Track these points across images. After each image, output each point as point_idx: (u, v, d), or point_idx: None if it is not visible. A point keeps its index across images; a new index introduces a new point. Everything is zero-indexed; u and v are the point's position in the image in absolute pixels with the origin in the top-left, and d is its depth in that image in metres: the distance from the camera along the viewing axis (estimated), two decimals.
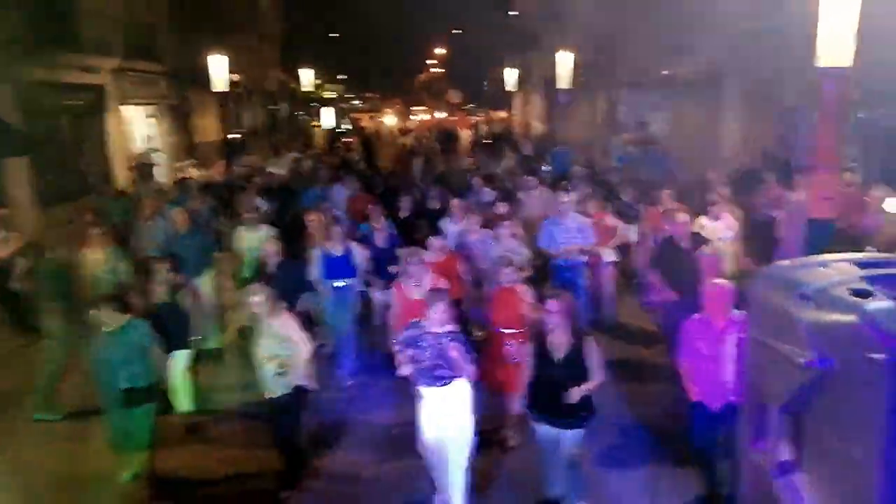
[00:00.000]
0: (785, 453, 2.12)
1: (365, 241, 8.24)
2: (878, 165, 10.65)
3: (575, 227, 8.12)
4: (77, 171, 15.27)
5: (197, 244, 8.22)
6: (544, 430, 5.07)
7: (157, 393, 5.68)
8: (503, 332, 6.00)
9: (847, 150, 10.88)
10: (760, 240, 9.66)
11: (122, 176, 16.11)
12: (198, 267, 8.03)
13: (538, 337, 5.04)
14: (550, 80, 21.87)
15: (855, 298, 1.96)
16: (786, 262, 2.34)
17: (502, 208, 9.02)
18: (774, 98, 12.37)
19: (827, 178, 6.34)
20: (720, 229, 7.92)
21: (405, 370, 5.02)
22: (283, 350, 5.43)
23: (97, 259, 7.80)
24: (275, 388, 5.43)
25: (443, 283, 6.30)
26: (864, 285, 2.03)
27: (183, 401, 6.71)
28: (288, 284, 6.60)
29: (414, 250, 6.78)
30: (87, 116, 15.87)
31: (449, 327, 4.94)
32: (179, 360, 6.56)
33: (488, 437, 5.90)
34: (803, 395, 2.04)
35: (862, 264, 2.18)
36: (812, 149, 6.66)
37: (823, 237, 6.13)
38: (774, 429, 2.11)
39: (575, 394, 4.77)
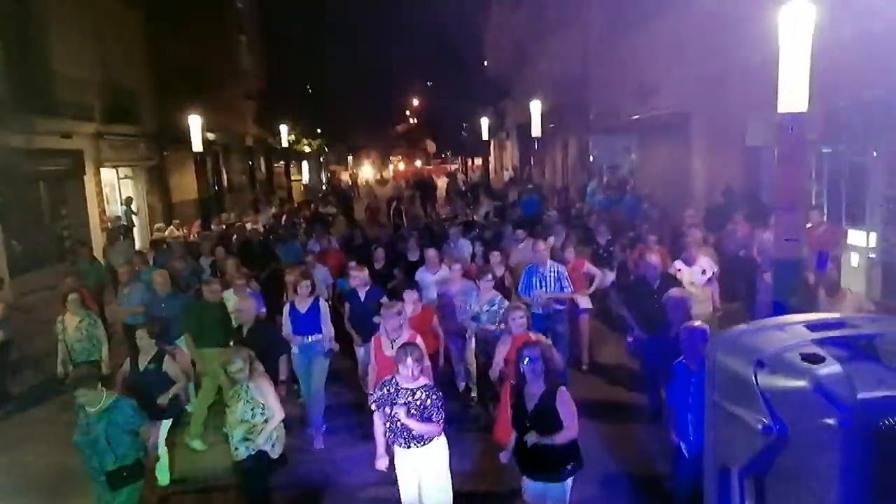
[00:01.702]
0: None
1: (348, 296, 8.20)
2: (844, 199, 10.94)
3: (553, 276, 8.13)
4: (54, 236, 15.24)
5: (178, 306, 8.10)
6: (530, 484, 4.95)
7: (143, 468, 5.47)
8: None
9: (813, 186, 11.27)
10: (738, 279, 9.84)
11: (99, 239, 16.07)
12: (179, 330, 7.82)
13: (516, 388, 4.98)
14: (523, 126, 22.32)
15: (806, 364, 2.02)
16: (742, 326, 2.42)
17: (494, 258, 9.01)
18: (740, 137, 12.70)
19: (790, 220, 6.47)
20: (695, 273, 8.00)
21: (379, 431, 4.98)
22: (256, 416, 5.33)
23: (74, 326, 7.73)
24: (241, 451, 5.34)
25: (414, 338, 6.16)
26: (815, 349, 2.10)
27: (163, 473, 6.55)
28: (264, 344, 6.49)
29: (391, 303, 6.66)
30: (65, 181, 15.92)
31: (423, 381, 4.88)
32: (163, 430, 6.42)
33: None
34: (762, 459, 2.10)
35: (813, 327, 2.26)
36: (775, 190, 6.85)
37: (790, 278, 6.27)
38: (736, 492, 2.16)
39: (530, 439, 4.68)
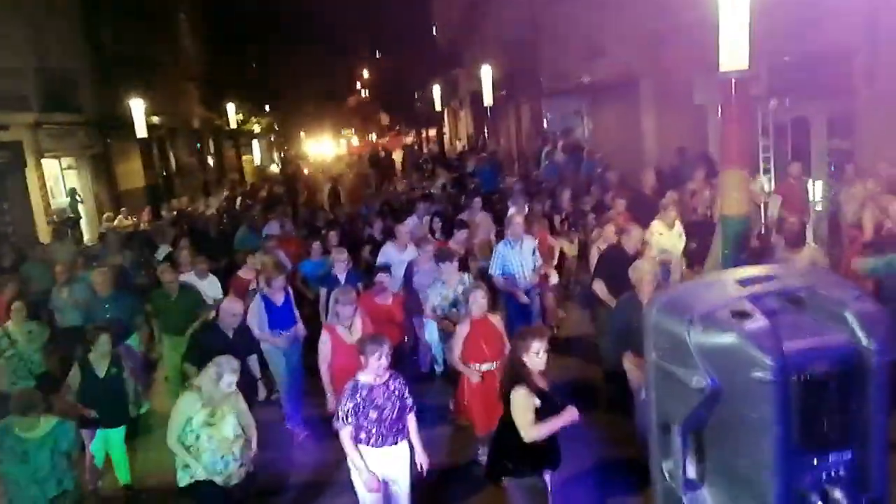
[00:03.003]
0: (689, 470, 2.24)
1: (323, 280, 7.90)
2: (790, 154, 11.19)
3: (528, 250, 7.74)
4: None
5: (121, 306, 7.62)
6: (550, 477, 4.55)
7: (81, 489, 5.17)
8: (479, 369, 5.63)
9: (760, 141, 11.49)
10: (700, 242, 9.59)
11: (45, 233, 15.61)
12: (125, 331, 7.42)
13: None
14: (476, 94, 22.18)
15: (734, 319, 2.08)
16: (678, 286, 2.48)
17: (459, 236, 8.65)
18: (687, 97, 12.83)
19: (736, 176, 6.58)
20: (674, 236, 7.85)
21: (352, 447, 4.58)
22: (241, 428, 4.87)
23: (26, 337, 7.08)
24: (234, 472, 4.79)
25: (371, 328, 5.95)
26: (744, 305, 2.16)
27: (123, 474, 6.30)
28: (232, 344, 5.93)
29: (346, 290, 6.28)
30: (5, 174, 15.39)
31: (388, 374, 4.66)
32: (119, 435, 6.14)
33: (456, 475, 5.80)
34: (699, 414, 2.16)
35: (744, 282, 2.32)
36: (721, 148, 6.95)
37: (738, 234, 6.40)
38: (678, 447, 2.23)
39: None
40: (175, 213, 14.99)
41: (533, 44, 21.24)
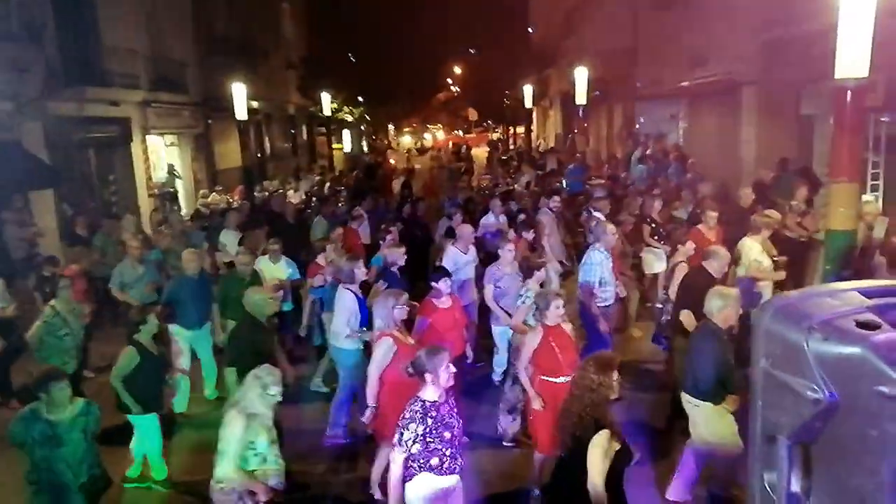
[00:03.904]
0: (794, 484, 2.11)
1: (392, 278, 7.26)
2: None
3: (610, 261, 7.13)
4: (102, 202, 15.62)
5: (204, 289, 7.57)
6: None
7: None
8: (552, 382, 5.07)
9: (870, 157, 10.85)
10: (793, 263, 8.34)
11: (146, 205, 16.42)
12: (202, 315, 7.48)
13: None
14: (568, 94, 21.95)
15: (860, 330, 1.95)
16: (792, 293, 2.34)
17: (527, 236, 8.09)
18: (794, 106, 12.28)
19: (847, 189, 6.25)
20: (766, 256, 7.35)
21: (401, 462, 4.07)
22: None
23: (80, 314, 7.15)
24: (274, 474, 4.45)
25: (437, 336, 5.58)
26: (870, 316, 2.02)
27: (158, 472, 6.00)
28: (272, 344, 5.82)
29: (392, 292, 5.74)
30: (113, 147, 16.26)
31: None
32: (154, 423, 5.81)
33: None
34: (811, 427, 2.04)
35: (869, 293, 2.17)
36: (831, 159, 6.62)
37: (843, 249, 6.08)
38: (783, 460, 2.11)
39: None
40: (266, 193, 15.42)
41: (630, 49, 20.89)
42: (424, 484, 4.04)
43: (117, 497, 5.53)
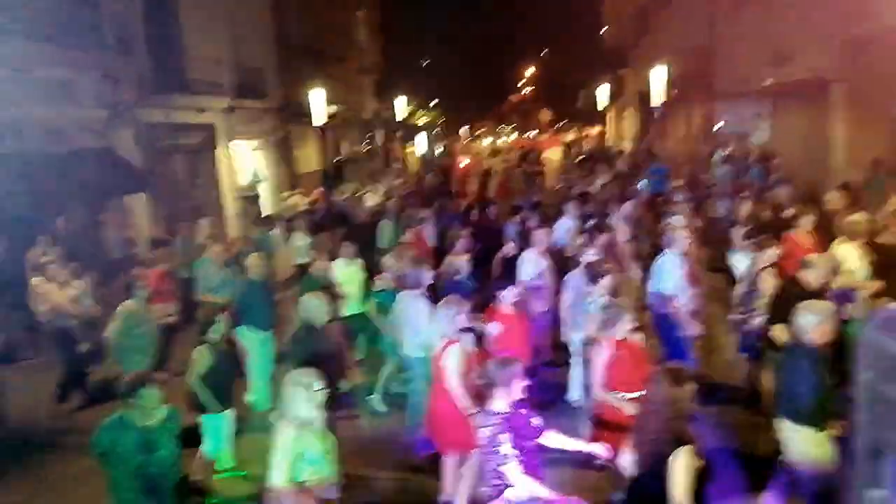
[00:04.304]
0: None
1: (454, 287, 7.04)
2: None
3: (687, 267, 6.81)
4: (190, 205, 16.32)
5: (268, 293, 7.67)
6: None
7: None
8: (624, 398, 4.86)
9: None
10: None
11: (231, 208, 17.04)
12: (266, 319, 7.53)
13: None
14: (644, 94, 21.53)
15: None
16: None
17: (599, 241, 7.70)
18: (887, 106, 11.68)
19: None
20: (861, 262, 6.88)
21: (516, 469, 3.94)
22: None
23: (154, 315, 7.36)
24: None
25: (511, 349, 5.39)
26: None
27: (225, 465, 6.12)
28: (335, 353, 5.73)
29: (454, 299, 5.56)
30: (199, 153, 16.96)
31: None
32: (227, 421, 5.91)
33: None
34: None
35: None
36: None
37: None
38: (891, 477, 2.03)
39: None
40: (344, 196, 15.73)
41: (709, 48, 20.31)
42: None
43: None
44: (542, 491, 3.92)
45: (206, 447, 5.86)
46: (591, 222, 9.26)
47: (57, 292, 7.90)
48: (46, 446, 7.13)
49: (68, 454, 6.81)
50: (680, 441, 3.59)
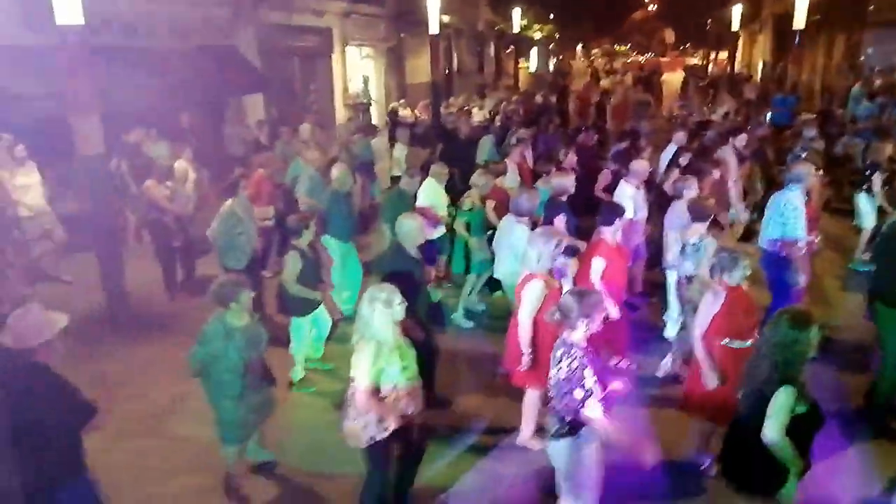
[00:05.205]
0: None
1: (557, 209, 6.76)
2: None
3: (802, 208, 6.21)
4: (303, 108, 16.69)
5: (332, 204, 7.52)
6: None
7: None
8: (734, 347, 4.54)
9: None
10: None
11: (342, 114, 17.31)
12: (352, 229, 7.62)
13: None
14: (781, 17, 19.84)
15: None
16: None
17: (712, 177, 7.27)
18: None
19: None
20: None
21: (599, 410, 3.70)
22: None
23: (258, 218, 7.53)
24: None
25: (612, 284, 5.27)
26: None
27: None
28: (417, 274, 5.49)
29: (553, 230, 5.29)
30: (315, 57, 17.17)
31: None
32: (316, 323, 6.22)
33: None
34: None
35: None
36: None
37: None
38: None
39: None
40: (452, 111, 15.56)
41: None
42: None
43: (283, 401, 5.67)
44: (619, 433, 3.72)
45: (294, 346, 6.20)
46: (686, 156, 8.76)
47: (155, 187, 8.14)
48: (155, 327, 7.56)
49: (168, 337, 7.16)
50: (787, 377, 3.40)
